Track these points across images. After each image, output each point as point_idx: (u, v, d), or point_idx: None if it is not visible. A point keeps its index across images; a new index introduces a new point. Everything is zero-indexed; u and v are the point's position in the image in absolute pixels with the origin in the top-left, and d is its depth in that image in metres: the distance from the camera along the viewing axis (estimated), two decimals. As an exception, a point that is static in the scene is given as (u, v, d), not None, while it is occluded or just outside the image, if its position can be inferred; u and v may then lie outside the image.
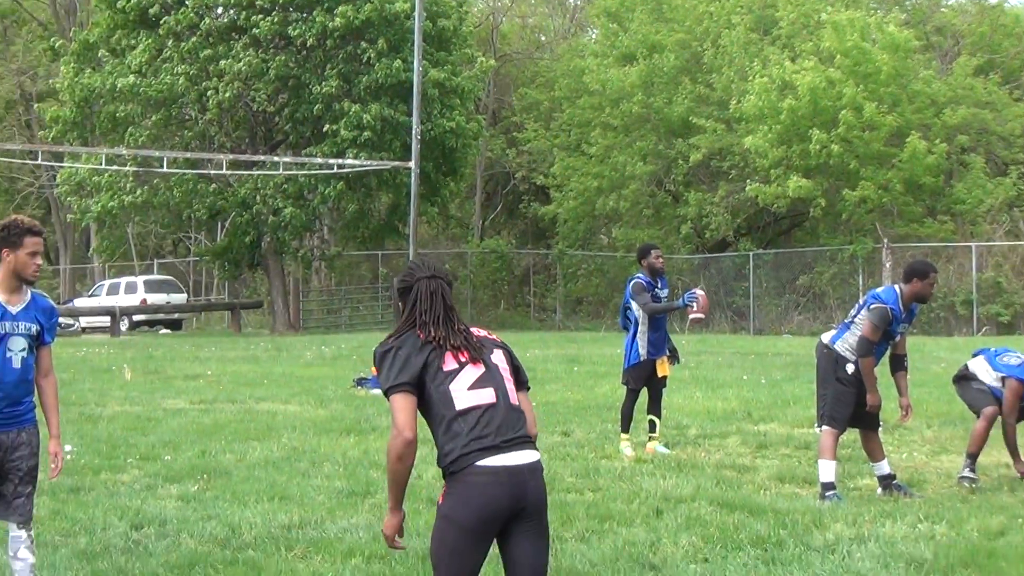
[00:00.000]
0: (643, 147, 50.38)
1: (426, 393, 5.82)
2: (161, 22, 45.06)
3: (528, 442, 5.86)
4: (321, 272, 55.89)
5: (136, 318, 50.33)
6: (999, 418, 12.43)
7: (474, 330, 6.12)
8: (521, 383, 6.17)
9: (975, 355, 13.13)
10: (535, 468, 5.83)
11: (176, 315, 52.60)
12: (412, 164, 24.72)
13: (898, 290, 11.91)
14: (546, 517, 5.92)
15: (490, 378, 5.91)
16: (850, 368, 11.81)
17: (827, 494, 11.57)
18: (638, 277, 14.70)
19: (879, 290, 12.24)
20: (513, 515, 5.74)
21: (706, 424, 17.00)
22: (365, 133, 43.26)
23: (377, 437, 15.37)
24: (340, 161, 36.15)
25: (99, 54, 47.00)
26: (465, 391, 5.81)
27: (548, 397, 20.84)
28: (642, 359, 14.58)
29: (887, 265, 41.49)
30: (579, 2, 67.37)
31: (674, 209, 51.05)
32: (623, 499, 11.56)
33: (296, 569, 8.77)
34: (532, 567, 5.82)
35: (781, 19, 48.21)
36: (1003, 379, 12.42)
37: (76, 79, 46.41)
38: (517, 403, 5.98)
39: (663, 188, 51.89)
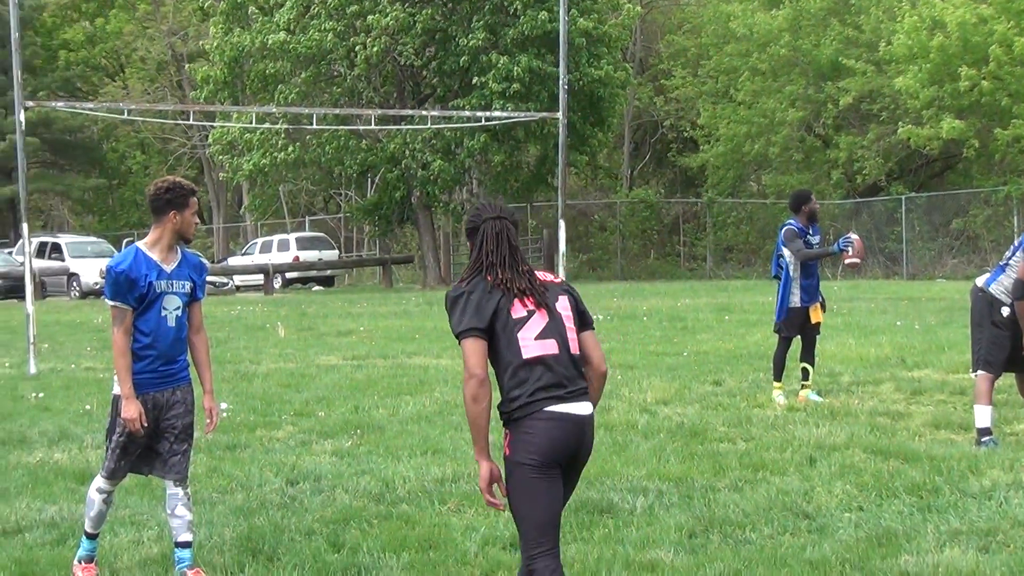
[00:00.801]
0: (792, 92, 49.98)
1: (495, 338, 6.01)
2: (307, -19, 45.38)
3: (586, 394, 6.10)
4: (472, 225, 56.18)
5: (289, 275, 50.98)
6: None
7: (541, 274, 6.30)
8: (586, 324, 6.30)
9: None
10: (591, 420, 6.12)
11: (328, 272, 53.12)
12: (560, 115, 24.59)
13: None
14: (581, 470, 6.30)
15: (555, 328, 6.08)
16: (1005, 311, 11.61)
17: (983, 440, 11.44)
18: (790, 223, 14.62)
19: (1036, 231, 12.01)
20: (569, 459, 6.05)
21: (859, 371, 16.87)
22: (513, 85, 43.25)
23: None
24: (488, 114, 36.16)
25: (248, 12, 47.29)
26: (532, 340, 6.00)
27: (699, 347, 20.82)
28: (796, 306, 14.52)
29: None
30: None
31: (824, 154, 50.57)
32: (776, 448, 11.52)
33: (450, 523, 8.81)
34: (563, 503, 6.17)
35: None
36: None
37: (226, 38, 46.92)
38: (578, 352, 6.14)
39: (812, 133, 51.42)
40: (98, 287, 32.61)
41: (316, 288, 51.07)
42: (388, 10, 43.93)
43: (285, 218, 63.52)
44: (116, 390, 7.82)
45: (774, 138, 50.09)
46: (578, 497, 9.57)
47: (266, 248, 53.08)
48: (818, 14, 49.20)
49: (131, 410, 7.66)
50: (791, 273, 14.49)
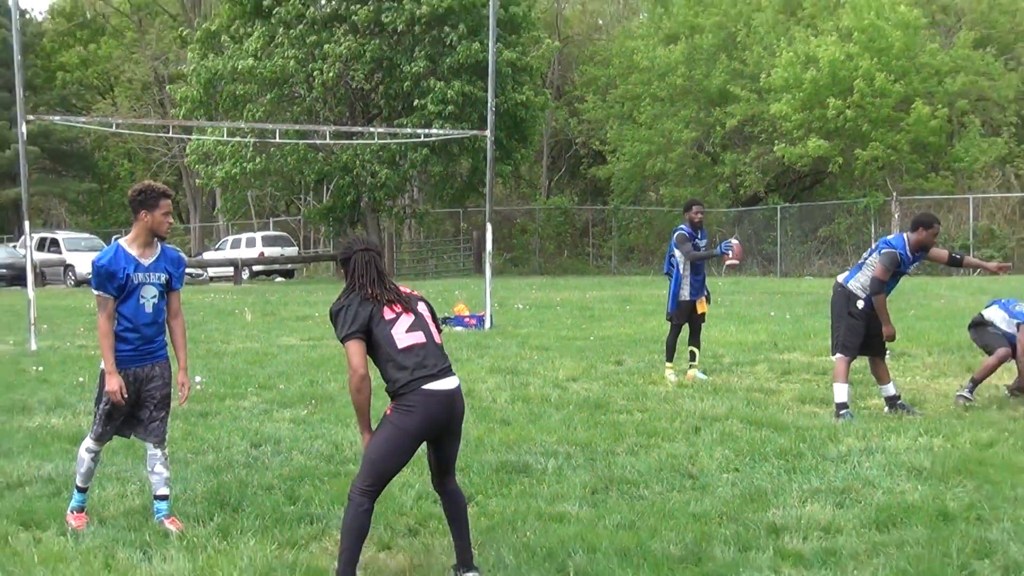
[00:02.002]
0: (685, 115, 50.17)
1: (373, 338, 6.53)
2: (273, 12, 45.35)
3: (451, 372, 6.62)
4: (411, 227, 55.98)
5: (255, 268, 50.68)
6: (1008, 359, 12.45)
7: (402, 288, 6.82)
8: (437, 327, 6.85)
9: (989, 305, 13.06)
10: (459, 391, 6.63)
11: (289, 266, 52.86)
12: (488, 133, 24.53)
13: (906, 238, 11.87)
14: (461, 427, 6.81)
15: (419, 324, 6.64)
16: (860, 304, 11.81)
17: (841, 412, 11.58)
18: (681, 228, 14.73)
19: (890, 237, 12.20)
20: (444, 426, 6.55)
21: (738, 354, 16.97)
22: (448, 107, 43.43)
23: (460, 367, 15.42)
24: (427, 131, 36.02)
25: (221, 41, 47.09)
26: (404, 334, 6.55)
27: (604, 332, 20.87)
28: (685, 299, 14.65)
29: (896, 215, 41.23)
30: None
31: (712, 169, 50.79)
32: (666, 418, 11.59)
33: (396, 493, 8.82)
34: (451, 458, 6.78)
35: (805, 2, 47.71)
36: (1018, 325, 12.36)
37: (201, 63, 46.60)
38: (440, 341, 6.74)
39: (703, 151, 51.60)
40: (89, 277, 32.58)
41: (278, 279, 50.88)
42: (342, 40, 44.14)
43: (252, 219, 63.07)
44: (103, 365, 7.82)
45: (670, 155, 50.31)
46: (498, 459, 9.68)
47: (235, 245, 52.74)
48: (709, 49, 49.43)
49: (113, 384, 7.73)
50: (681, 271, 14.60)
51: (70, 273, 46.26)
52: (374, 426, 6.64)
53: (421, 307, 6.75)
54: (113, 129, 42.54)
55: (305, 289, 39.94)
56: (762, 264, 45.63)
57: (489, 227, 24.44)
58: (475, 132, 33.20)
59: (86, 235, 53.38)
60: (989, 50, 46.75)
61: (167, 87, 60.05)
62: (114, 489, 8.91)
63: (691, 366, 14.77)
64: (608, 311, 25.90)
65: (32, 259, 21.53)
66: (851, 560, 6.88)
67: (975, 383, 12.46)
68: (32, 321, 20.48)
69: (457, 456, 6.84)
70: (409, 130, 37.37)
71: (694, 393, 13.26)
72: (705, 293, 14.86)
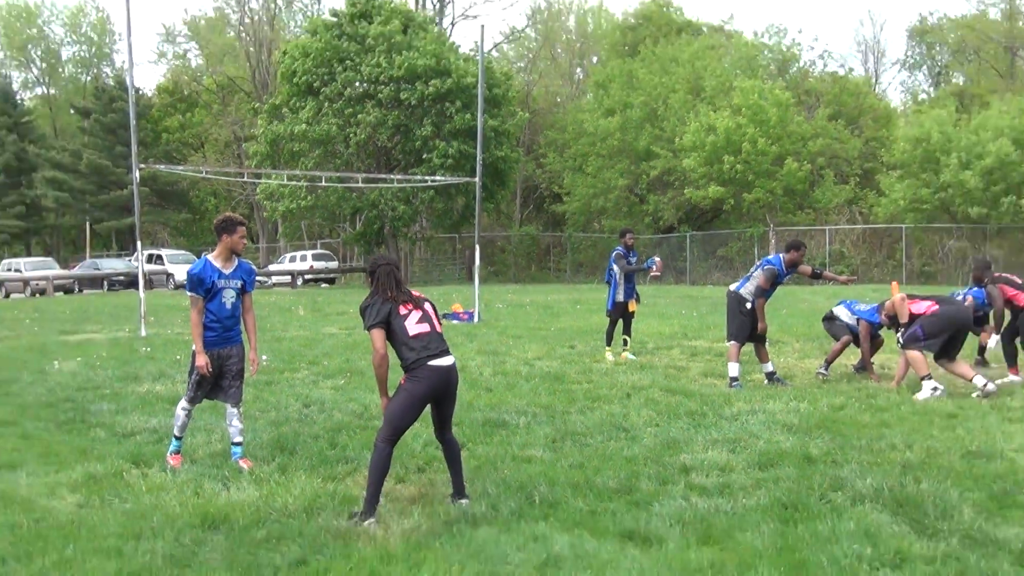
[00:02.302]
0: (620, 168, 50.04)
1: (391, 327, 6.55)
2: (320, 91, 45.18)
3: (449, 352, 6.62)
4: (420, 247, 55.83)
5: (306, 277, 50.44)
6: (850, 344, 12.57)
7: (413, 292, 6.77)
8: (439, 320, 6.80)
9: (837, 304, 13.14)
10: (455, 366, 6.64)
11: (331, 275, 52.71)
12: (477, 179, 24.54)
13: (782, 257, 11.92)
14: (457, 393, 6.79)
15: (426, 318, 6.64)
16: (748, 305, 11.83)
17: (733, 384, 11.59)
18: (618, 249, 14.72)
19: (770, 256, 12.25)
20: (443, 393, 6.59)
21: (658, 341, 16.97)
22: (448, 160, 43.46)
23: (455, 350, 15.42)
24: (432, 178, 36.09)
25: (282, 112, 46.97)
26: (414, 325, 6.56)
27: (560, 325, 20.85)
28: (620, 300, 14.64)
29: (772, 241, 41.29)
30: (581, 76, 66.83)
31: (640, 206, 50.67)
32: (607, 387, 11.58)
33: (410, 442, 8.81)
34: (449, 416, 6.76)
35: (707, 86, 47.78)
36: (858, 320, 12.44)
37: (268, 127, 46.49)
38: (441, 330, 6.73)
39: (633, 193, 51.54)
40: (184, 282, 32.45)
41: (323, 285, 50.59)
42: (371, 112, 44.00)
43: (304, 241, 62.75)
44: (194, 347, 7.81)
45: (609, 196, 50.25)
46: (483, 416, 9.65)
47: (292, 260, 52.34)
48: (637, 120, 49.32)
49: (201, 361, 7.74)
50: (617, 280, 14.59)
51: (171, 280, 45.95)
52: (391, 392, 6.62)
53: (427, 306, 6.72)
54: (203, 175, 42.31)
55: (343, 292, 39.79)
56: (676, 275, 45.53)
57: (477, 248, 24.44)
58: (467, 179, 33.21)
59: (182, 252, 53.05)
60: (839, 121, 46.97)
61: (243, 144, 59.92)
62: (202, 438, 8.87)
63: (624, 350, 14.77)
64: (564, 309, 25.90)
65: (143, 269, 21.47)
66: (740, 491, 6.88)
67: (828, 362, 12.53)
68: (142, 315, 20.47)
69: (453, 414, 6.83)
70: (419, 177, 37.42)
71: (626, 369, 13.25)
72: (635, 296, 14.86)
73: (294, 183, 42.09)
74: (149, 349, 16.76)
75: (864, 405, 10.12)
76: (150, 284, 43.39)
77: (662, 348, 16.01)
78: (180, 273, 43.78)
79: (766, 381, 11.89)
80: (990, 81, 52.59)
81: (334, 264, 53.06)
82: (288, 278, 48.67)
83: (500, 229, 58.91)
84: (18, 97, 72.80)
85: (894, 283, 12.29)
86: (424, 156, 44.56)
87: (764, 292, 11.84)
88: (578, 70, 68.03)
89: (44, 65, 77.37)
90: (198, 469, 7.75)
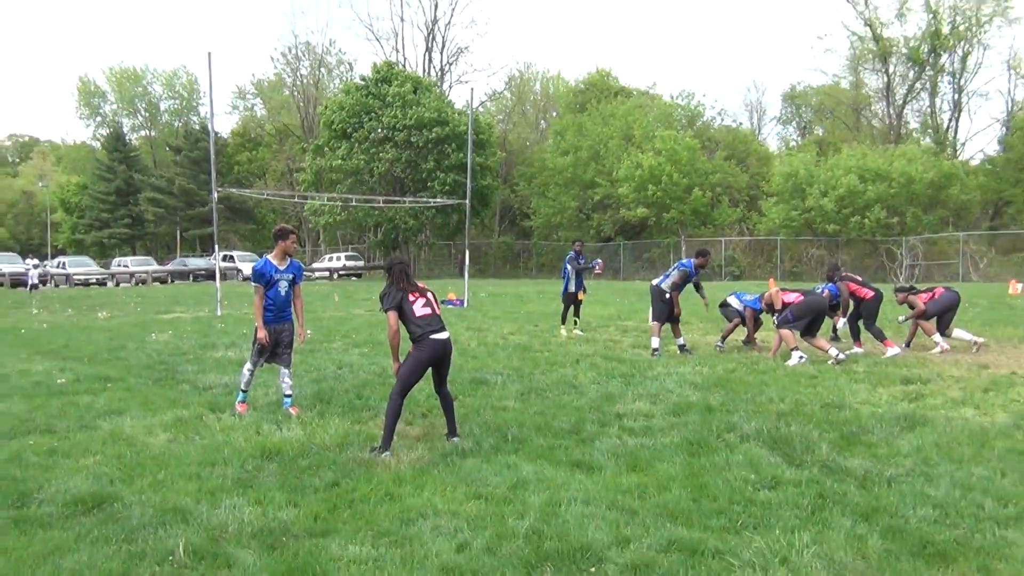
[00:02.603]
0: (573, 194, 49.95)
1: (402, 310, 6.42)
2: (352, 135, 44.87)
3: (445, 328, 6.47)
4: (425, 251, 55.60)
5: (340, 272, 50.12)
6: (739, 325, 12.57)
7: (420, 284, 6.61)
8: (438, 305, 6.63)
9: (730, 295, 13.15)
10: (450, 339, 6.51)
11: (359, 271, 52.38)
12: (467, 201, 24.46)
13: (692, 261, 11.87)
14: (451, 359, 6.69)
15: (428, 304, 6.49)
16: (667, 296, 11.79)
17: (654, 354, 11.53)
18: (571, 253, 14.63)
19: (684, 260, 12.19)
20: (441, 359, 6.49)
21: (600, 321, 16.93)
22: (446, 187, 43.34)
23: (450, 327, 15.34)
24: (435, 200, 36.13)
25: (324, 150, 46.64)
26: (420, 308, 6.44)
27: (528, 309, 20.77)
28: (571, 291, 14.57)
29: (684, 248, 41.37)
30: (544, 126, 66.55)
31: (587, 222, 50.52)
32: (561, 355, 11.50)
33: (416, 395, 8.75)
34: (445, 376, 6.62)
35: (636, 134, 47.69)
36: (744, 307, 12.47)
37: (313, 161, 46.14)
38: (440, 312, 6.57)
39: (582, 212, 51.45)
40: (250, 275, 32.24)
41: (353, 279, 50.18)
42: (389, 151, 43.85)
43: (339, 245, 62.30)
44: (256, 323, 7.68)
45: (564, 215, 50.16)
46: (470, 376, 9.56)
47: (330, 259, 52.11)
48: (585, 159, 49.22)
49: (261, 334, 7.64)
50: (570, 276, 14.52)
51: (239, 273, 45.60)
52: (402, 358, 6.54)
53: (429, 294, 6.60)
54: (264, 196, 42.14)
55: (367, 284, 39.54)
56: (613, 273, 45.51)
57: (467, 252, 24.36)
58: (460, 201, 33.04)
59: (248, 253, 52.67)
60: (732, 161, 47.07)
61: (294, 174, 59.42)
62: (262, 391, 8.72)
63: (574, 327, 14.71)
64: (531, 298, 25.83)
65: (219, 266, 21.27)
66: (659, 432, 6.85)
67: (723, 338, 12.49)
68: (218, 299, 20.27)
69: (448, 374, 6.75)
70: (424, 199, 37.36)
71: (576, 343, 13.17)
72: (583, 288, 14.80)
73: (332, 203, 41.86)
74: (223, 325, 16.57)
75: (749, 369, 10.12)
76: (224, 276, 43.00)
77: (602, 327, 15.97)
78: (247, 268, 43.44)
79: (679, 352, 11.85)
80: (841, 133, 52.86)
81: (361, 263, 52.70)
82: (327, 273, 48.34)
83: (484, 238, 58.66)
84: (127, 138, 73.05)
85: (771, 280, 12.34)
86: (428, 184, 44.38)
87: (678, 286, 11.82)
88: (542, 122, 67.68)
89: (147, 114, 77.06)
90: (258, 414, 7.64)
